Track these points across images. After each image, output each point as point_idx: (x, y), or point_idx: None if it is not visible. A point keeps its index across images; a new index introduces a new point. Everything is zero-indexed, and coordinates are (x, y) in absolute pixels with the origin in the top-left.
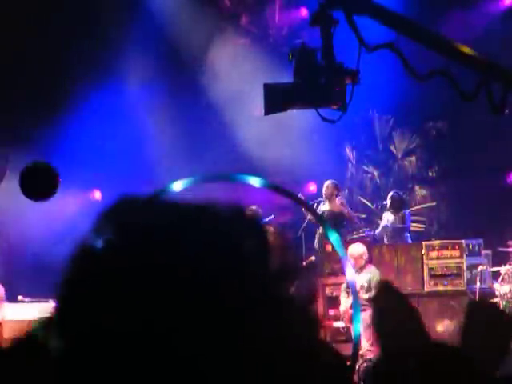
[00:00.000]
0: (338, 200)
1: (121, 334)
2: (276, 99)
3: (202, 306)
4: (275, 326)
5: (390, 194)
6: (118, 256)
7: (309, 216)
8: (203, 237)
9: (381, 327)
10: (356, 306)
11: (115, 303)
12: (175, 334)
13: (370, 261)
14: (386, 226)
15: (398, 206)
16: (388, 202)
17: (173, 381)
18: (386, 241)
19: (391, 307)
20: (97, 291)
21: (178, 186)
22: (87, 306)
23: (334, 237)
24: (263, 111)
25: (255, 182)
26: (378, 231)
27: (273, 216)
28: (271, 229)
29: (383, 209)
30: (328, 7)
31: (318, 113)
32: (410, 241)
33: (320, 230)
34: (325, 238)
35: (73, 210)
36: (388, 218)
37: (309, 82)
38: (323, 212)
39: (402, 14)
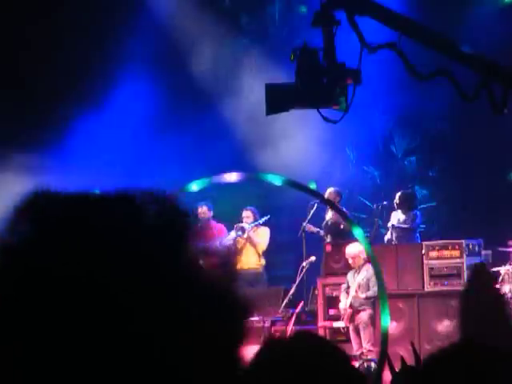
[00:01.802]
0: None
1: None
2: (278, 99)
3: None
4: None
5: (399, 193)
6: (36, 251)
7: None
8: (114, 224)
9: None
10: (383, 297)
11: (38, 299)
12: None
13: (368, 260)
14: (393, 226)
15: (408, 205)
16: (397, 201)
17: None
18: (394, 241)
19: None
20: (18, 288)
21: (195, 185)
22: (12, 303)
23: (358, 232)
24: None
25: (276, 180)
26: (388, 236)
27: (268, 216)
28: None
29: (387, 209)
30: (330, 8)
31: (320, 113)
32: (419, 241)
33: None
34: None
35: None
36: (398, 217)
37: (310, 82)
38: (327, 220)
39: (403, 15)
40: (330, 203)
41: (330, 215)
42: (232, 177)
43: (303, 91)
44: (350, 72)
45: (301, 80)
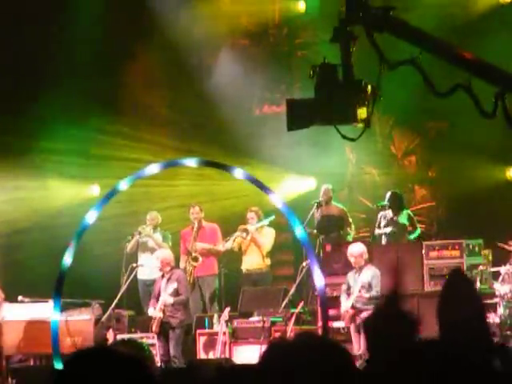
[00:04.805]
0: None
1: None
2: (298, 115)
3: None
4: None
5: (389, 193)
6: None
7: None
8: None
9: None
10: (313, 260)
11: None
12: None
13: (370, 260)
14: (385, 226)
15: (396, 206)
16: (386, 201)
17: None
18: (384, 241)
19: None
20: None
21: (124, 183)
22: None
23: (298, 228)
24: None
25: (190, 162)
26: (377, 232)
27: (273, 217)
28: None
29: (383, 209)
30: (348, 24)
31: (338, 130)
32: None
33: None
34: (325, 241)
35: (72, 205)
36: (387, 217)
37: (330, 99)
38: (322, 217)
39: (424, 31)
40: (256, 182)
41: (323, 211)
42: (152, 169)
43: (323, 108)
44: (368, 89)
45: (320, 96)
